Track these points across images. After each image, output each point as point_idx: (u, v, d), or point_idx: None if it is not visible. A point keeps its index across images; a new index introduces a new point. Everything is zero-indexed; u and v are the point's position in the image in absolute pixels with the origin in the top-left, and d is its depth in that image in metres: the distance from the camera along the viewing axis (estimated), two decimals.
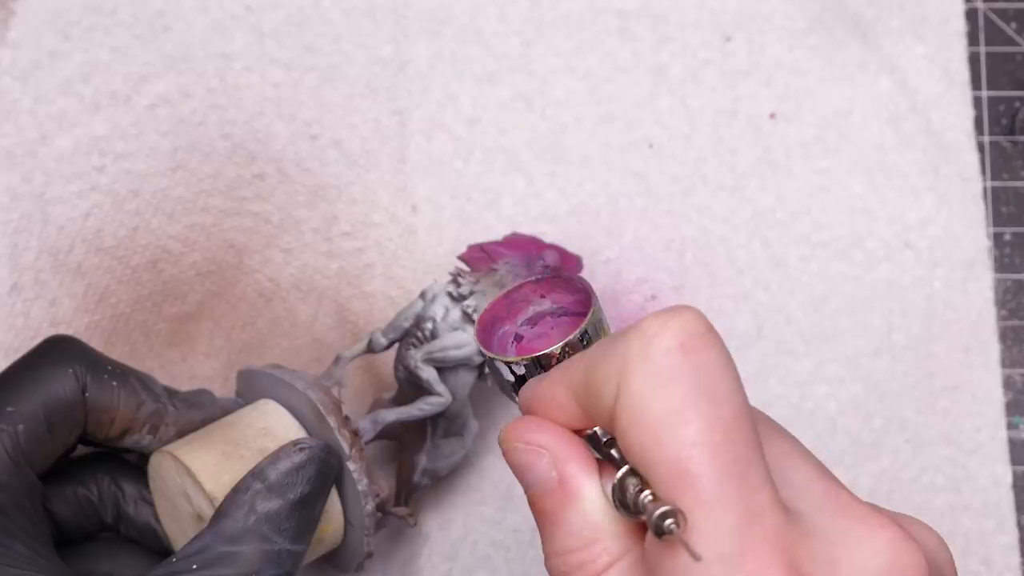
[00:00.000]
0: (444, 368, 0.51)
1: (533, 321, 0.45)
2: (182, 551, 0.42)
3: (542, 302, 0.44)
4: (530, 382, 0.38)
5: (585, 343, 0.40)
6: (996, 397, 0.58)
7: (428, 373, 0.50)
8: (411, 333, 0.51)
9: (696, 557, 0.30)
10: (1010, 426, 0.59)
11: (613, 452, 0.35)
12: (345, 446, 0.46)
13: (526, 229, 0.59)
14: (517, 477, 0.36)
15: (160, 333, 0.57)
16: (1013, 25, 0.64)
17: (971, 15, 0.63)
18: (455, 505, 0.56)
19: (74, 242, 0.57)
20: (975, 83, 0.62)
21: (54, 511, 0.47)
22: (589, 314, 0.40)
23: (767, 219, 0.60)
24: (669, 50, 0.61)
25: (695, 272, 0.59)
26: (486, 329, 0.44)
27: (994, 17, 0.63)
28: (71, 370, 0.45)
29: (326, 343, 0.57)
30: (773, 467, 0.33)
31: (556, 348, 0.39)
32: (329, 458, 0.45)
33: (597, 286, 0.58)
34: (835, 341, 0.58)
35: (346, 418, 0.47)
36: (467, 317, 0.50)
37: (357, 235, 0.59)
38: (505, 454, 0.36)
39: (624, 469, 0.33)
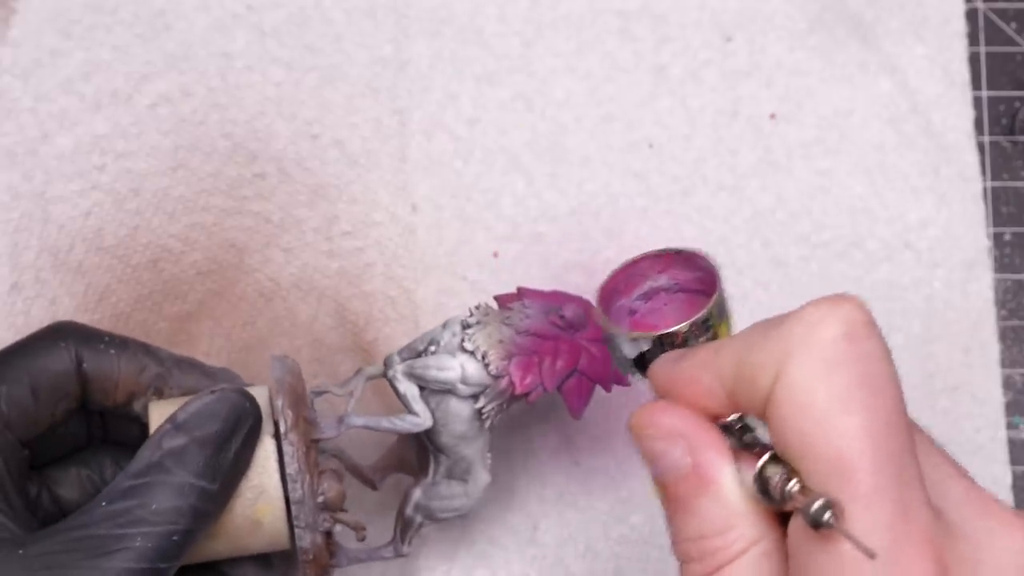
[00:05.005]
0: (432, 391, 0.50)
1: (648, 296, 0.44)
2: (98, 495, 0.43)
3: (659, 277, 0.44)
4: (664, 359, 0.38)
5: (709, 323, 0.39)
6: (996, 398, 0.58)
7: (405, 387, 0.49)
8: (423, 353, 0.51)
9: (869, 554, 0.30)
10: (1010, 426, 0.59)
11: (746, 438, 0.35)
12: (283, 424, 0.46)
13: (526, 229, 0.59)
14: (647, 462, 0.36)
15: (160, 332, 0.57)
16: (1013, 25, 0.64)
17: (971, 15, 0.63)
18: None
19: (74, 241, 0.57)
20: (975, 83, 0.62)
21: (60, 493, 0.49)
22: (716, 294, 0.40)
23: (767, 219, 0.60)
24: (669, 50, 0.61)
25: None
26: (606, 301, 0.43)
27: (994, 17, 0.64)
28: (62, 344, 0.46)
29: (326, 343, 0.57)
30: None
31: (683, 327, 0.39)
32: (243, 402, 0.45)
33: (597, 286, 0.58)
34: None
35: (303, 406, 0.47)
36: (461, 346, 0.49)
37: (357, 234, 0.59)
38: (636, 440, 0.36)
39: (767, 456, 0.33)
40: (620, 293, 0.45)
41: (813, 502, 0.30)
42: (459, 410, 0.50)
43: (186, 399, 0.47)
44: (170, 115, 0.59)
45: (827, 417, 0.31)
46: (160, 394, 0.47)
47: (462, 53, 0.61)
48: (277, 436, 0.47)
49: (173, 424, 0.44)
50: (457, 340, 0.49)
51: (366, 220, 0.59)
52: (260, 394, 0.48)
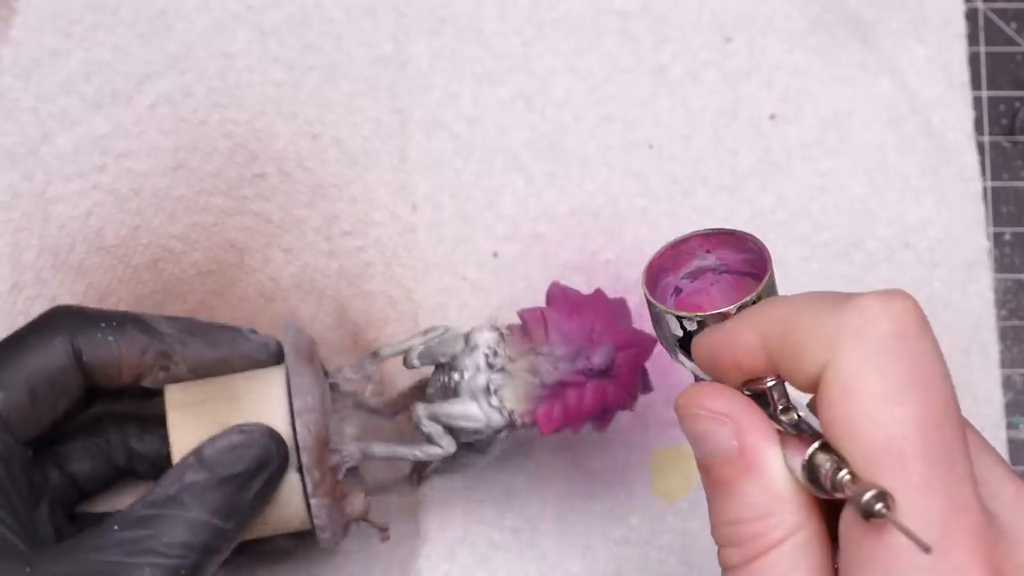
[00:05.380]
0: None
1: (694, 275, 0.44)
2: (112, 516, 0.43)
3: (707, 257, 0.43)
4: (711, 329, 0.37)
5: None
6: (996, 398, 0.58)
7: (430, 428, 0.50)
8: (442, 369, 0.50)
9: (924, 547, 0.29)
10: (1010, 426, 0.59)
11: (788, 418, 0.34)
12: (305, 458, 0.47)
13: (526, 230, 0.59)
14: (692, 443, 0.36)
15: None
16: (1013, 25, 0.64)
17: (971, 15, 0.63)
18: (454, 506, 0.56)
19: (75, 241, 0.57)
20: (975, 83, 0.62)
21: (72, 469, 0.50)
22: (766, 277, 0.39)
23: (767, 220, 0.60)
24: (669, 51, 0.61)
25: None
26: (653, 278, 0.43)
27: (994, 17, 0.63)
28: (57, 340, 0.46)
29: (326, 343, 0.57)
30: None
31: (732, 308, 0.38)
32: (270, 444, 0.46)
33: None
34: None
35: (323, 446, 0.48)
36: (487, 391, 0.49)
37: (357, 234, 0.59)
38: (682, 420, 0.36)
39: (817, 444, 0.33)
40: (667, 271, 0.44)
41: (865, 491, 0.30)
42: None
43: (202, 384, 0.47)
44: (171, 115, 0.59)
45: (879, 406, 0.31)
46: (167, 370, 0.47)
47: (462, 52, 0.61)
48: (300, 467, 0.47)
49: (198, 458, 0.45)
50: (482, 382, 0.49)
51: (366, 220, 0.59)
52: (277, 380, 0.48)
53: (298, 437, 0.47)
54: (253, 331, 0.51)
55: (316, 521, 0.47)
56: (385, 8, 0.61)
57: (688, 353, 0.40)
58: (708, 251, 0.43)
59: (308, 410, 0.47)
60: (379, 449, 0.50)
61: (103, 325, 0.47)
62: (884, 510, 0.30)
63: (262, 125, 0.59)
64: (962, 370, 0.58)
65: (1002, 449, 0.58)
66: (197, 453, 0.45)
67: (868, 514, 0.30)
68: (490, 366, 0.49)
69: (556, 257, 0.59)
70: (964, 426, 0.32)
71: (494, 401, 0.49)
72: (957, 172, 0.61)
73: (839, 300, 0.33)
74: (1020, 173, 0.62)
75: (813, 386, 0.33)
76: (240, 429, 0.46)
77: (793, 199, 0.60)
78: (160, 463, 0.51)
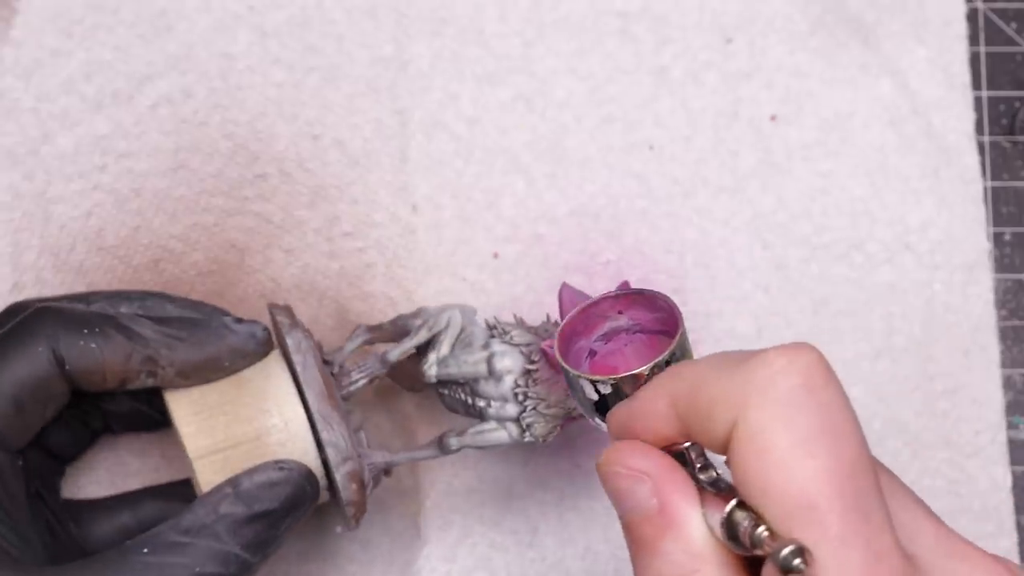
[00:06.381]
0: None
1: (607, 337, 0.44)
2: (141, 537, 0.43)
3: (619, 318, 0.44)
4: (623, 403, 0.38)
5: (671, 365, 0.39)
6: (996, 400, 0.58)
7: (460, 446, 0.51)
8: (462, 388, 0.50)
9: None
10: (1010, 426, 0.59)
11: (707, 477, 0.34)
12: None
13: (526, 231, 0.59)
14: (614, 502, 0.36)
15: None
16: (1013, 25, 0.64)
17: (971, 15, 0.63)
18: (455, 507, 0.56)
19: (76, 241, 0.57)
20: (975, 83, 0.62)
21: (49, 442, 0.51)
22: (678, 336, 0.39)
23: (767, 221, 0.60)
24: (670, 52, 0.61)
25: (695, 274, 0.59)
26: (565, 343, 0.43)
27: (994, 17, 0.63)
28: (40, 348, 0.45)
29: (327, 343, 0.57)
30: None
31: (645, 369, 0.38)
32: (304, 485, 0.46)
33: (598, 288, 0.58)
34: (835, 344, 0.58)
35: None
36: (519, 424, 0.49)
37: (358, 235, 0.59)
38: (603, 478, 0.36)
39: (734, 501, 0.33)
40: (580, 334, 0.44)
41: (783, 547, 0.30)
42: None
43: (203, 390, 0.47)
44: (171, 115, 0.59)
45: (790, 460, 0.31)
46: (154, 376, 0.47)
47: (463, 53, 0.61)
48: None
49: (235, 490, 0.45)
50: (511, 413, 0.49)
51: (367, 221, 0.59)
52: (277, 384, 0.48)
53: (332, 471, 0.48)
54: (237, 319, 0.49)
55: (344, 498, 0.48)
56: (386, 9, 0.61)
57: (604, 417, 0.40)
58: (620, 312, 0.44)
59: (343, 461, 0.48)
60: (402, 456, 0.51)
61: (85, 331, 0.46)
62: (802, 565, 0.30)
63: (263, 126, 0.59)
64: (962, 373, 0.58)
65: (1002, 452, 0.58)
66: (235, 485, 0.45)
67: (787, 570, 0.30)
68: (516, 396, 0.49)
69: (556, 258, 0.59)
70: (877, 471, 0.32)
71: (527, 437, 0.49)
72: (958, 174, 0.61)
73: (744, 358, 0.33)
74: (1020, 173, 0.62)
75: (725, 446, 0.33)
76: (279, 466, 0.46)
77: (794, 200, 0.60)
78: (134, 418, 0.52)
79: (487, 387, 0.49)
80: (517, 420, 0.49)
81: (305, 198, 0.59)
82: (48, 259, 0.57)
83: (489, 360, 0.49)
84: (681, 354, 0.40)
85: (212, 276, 0.58)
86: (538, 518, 0.56)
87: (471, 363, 0.49)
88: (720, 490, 0.34)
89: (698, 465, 0.35)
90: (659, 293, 0.42)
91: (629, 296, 0.43)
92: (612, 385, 0.39)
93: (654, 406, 0.35)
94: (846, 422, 0.32)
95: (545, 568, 0.56)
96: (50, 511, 0.50)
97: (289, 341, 0.48)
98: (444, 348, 0.50)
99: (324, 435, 0.47)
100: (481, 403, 0.50)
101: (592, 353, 0.45)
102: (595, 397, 0.40)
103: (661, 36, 0.61)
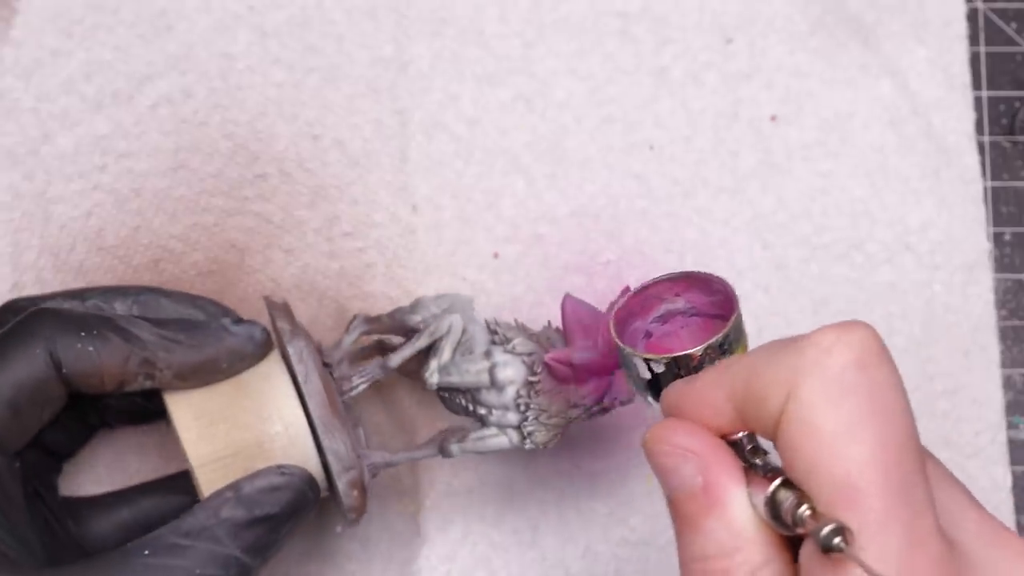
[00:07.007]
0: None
1: (664, 319, 0.44)
2: (141, 539, 0.43)
3: (675, 300, 0.44)
4: (677, 383, 0.38)
5: (725, 347, 0.39)
6: (996, 400, 0.58)
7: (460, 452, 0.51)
8: (463, 394, 0.51)
9: None
10: (1010, 426, 0.59)
11: (757, 460, 0.35)
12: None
13: (526, 231, 0.59)
14: (660, 479, 0.36)
15: None
16: (1013, 25, 0.64)
17: (971, 15, 0.63)
18: (455, 506, 0.56)
19: (75, 241, 0.57)
20: (975, 83, 0.62)
21: (47, 440, 0.51)
22: (732, 318, 0.40)
23: (767, 221, 0.60)
24: (670, 52, 0.61)
25: None
26: (621, 324, 0.43)
27: (994, 17, 0.63)
28: (37, 350, 0.45)
29: (327, 343, 0.57)
30: None
31: (698, 349, 0.39)
32: (307, 490, 0.46)
33: (598, 288, 0.58)
34: None
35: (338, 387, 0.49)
36: (520, 432, 0.50)
37: (358, 235, 0.59)
38: (649, 455, 0.36)
39: (778, 481, 0.33)
40: (636, 315, 0.44)
41: (823, 526, 0.30)
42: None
43: (204, 395, 0.47)
44: (171, 116, 0.59)
45: (837, 442, 0.31)
46: (152, 378, 0.47)
47: (463, 54, 0.61)
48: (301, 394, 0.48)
49: (236, 494, 0.45)
50: (513, 421, 0.50)
51: (367, 221, 0.59)
52: (278, 385, 0.48)
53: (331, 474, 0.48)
54: (235, 320, 0.49)
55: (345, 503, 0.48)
56: (386, 10, 0.61)
57: (657, 396, 0.40)
58: (677, 295, 0.44)
59: (345, 470, 0.48)
60: (402, 456, 0.51)
61: (83, 334, 0.46)
62: (842, 544, 0.30)
63: (263, 126, 0.59)
64: (962, 373, 0.58)
65: (1002, 452, 0.58)
66: (235, 487, 0.45)
67: (827, 548, 0.30)
68: (518, 406, 0.49)
69: (556, 258, 0.59)
70: (924, 456, 0.33)
71: (528, 444, 0.49)
72: (958, 174, 0.61)
73: (796, 340, 0.33)
74: (1020, 173, 0.62)
75: (777, 430, 0.33)
76: (281, 471, 0.46)
77: (794, 201, 0.60)
78: (132, 410, 0.52)
79: (489, 396, 0.49)
80: (518, 427, 0.50)
81: (305, 198, 0.59)
82: (48, 259, 0.57)
83: (491, 370, 0.49)
84: (736, 336, 0.40)
85: (212, 276, 0.58)
86: (538, 518, 0.56)
87: (473, 372, 0.49)
88: (767, 472, 0.34)
89: (748, 447, 0.35)
90: (715, 276, 0.42)
91: (686, 279, 0.43)
92: (665, 364, 0.39)
93: (711, 397, 0.35)
94: (896, 402, 0.32)
95: (545, 568, 0.56)
96: (48, 510, 0.50)
97: (291, 350, 0.48)
98: (445, 355, 0.50)
99: (326, 444, 0.47)
100: (482, 411, 0.50)
101: (648, 335, 0.45)
102: (648, 376, 0.40)
103: (661, 37, 0.61)
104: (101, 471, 0.56)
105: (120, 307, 0.49)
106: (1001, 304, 0.60)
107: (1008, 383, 0.59)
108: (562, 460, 0.57)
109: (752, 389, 0.34)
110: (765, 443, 0.35)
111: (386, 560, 0.56)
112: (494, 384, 0.49)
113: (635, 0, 0.61)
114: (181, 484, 0.53)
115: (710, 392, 0.35)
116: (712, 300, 0.43)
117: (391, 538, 0.56)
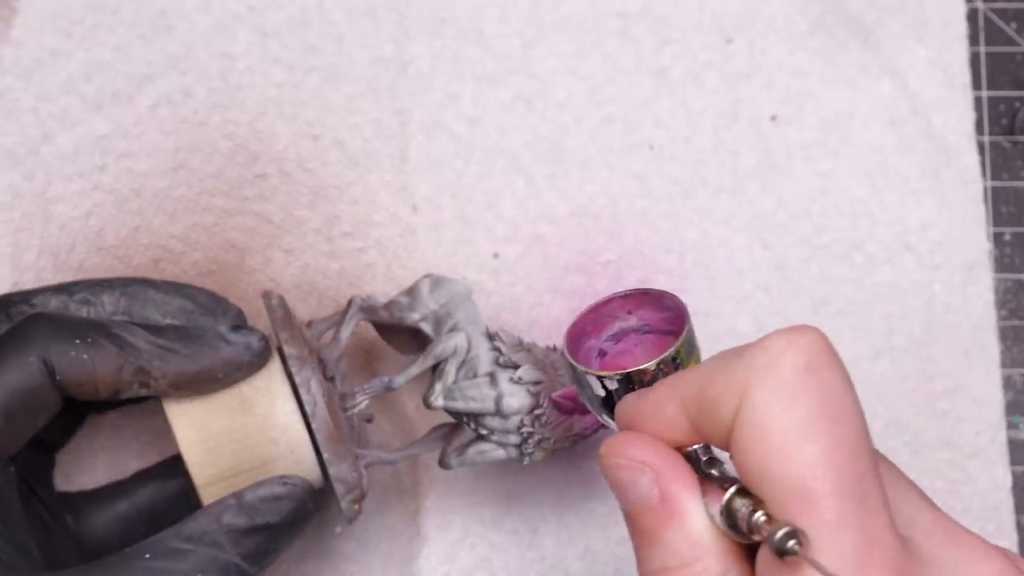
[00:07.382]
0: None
1: (618, 337, 0.45)
2: (142, 543, 0.43)
3: (628, 318, 0.44)
4: (630, 396, 0.38)
5: (678, 362, 0.39)
6: (996, 400, 0.58)
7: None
8: (466, 415, 0.51)
9: None
10: (1010, 426, 0.59)
11: (713, 471, 0.35)
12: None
13: (526, 231, 0.59)
14: (616, 493, 0.36)
15: None
16: (1013, 25, 0.64)
17: (971, 15, 0.63)
18: (454, 507, 0.56)
19: (75, 241, 0.57)
20: (975, 83, 0.62)
21: (40, 432, 0.49)
22: (684, 332, 0.40)
23: (767, 221, 0.60)
24: (670, 52, 0.61)
25: (695, 274, 0.59)
26: (574, 342, 0.43)
27: (994, 17, 0.63)
28: (31, 358, 0.45)
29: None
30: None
31: (651, 364, 0.39)
32: (307, 500, 0.46)
33: (598, 288, 0.58)
34: (835, 344, 0.58)
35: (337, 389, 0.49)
36: (520, 450, 0.50)
37: (358, 235, 0.59)
38: (605, 470, 0.36)
39: (733, 489, 0.33)
40: (589, 334, 0.45)
41: (777, 530, 0.30)
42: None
43: (205, 402, 0.47)
44: (171, 115, 0.59)
45: (789, 444, 0.31)
46: (147, 387, 0.46)
47: (463, 54, 0.61)
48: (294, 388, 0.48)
49: (238, 502, 0.45)
50: (515, 441, 0.50)
51: (367, 221, 0.59)
52: (275, 376, 0.48)
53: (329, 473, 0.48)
54: (232, 327, 0.49)
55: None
56: (386, 10, 0.61)
57: (612, 414, 0.40)
58: (629, 312, 0.44)
59: (348, 491, 0.48)
60: (399, 455, 0.51)
61: (77, 341, 0.45)
62: (796, 547, 0.30)
63: (263, 126, 0.59)
64: (962, 373, 0.58)
65: (1002, 452, 0.58)
66: (238, 495, 0.45)
67: (781, 552, 0.30)
68: (520, 433, 0.50)
69: (556, 258, 0.59)
70: (876, 457, 0.33)
71: (526, 461, 0.50)
72: (958, 174, 0.61)
73: (747, 347, 0.33)
74: (1020, 173, 0.62)
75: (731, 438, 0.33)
76: (283, 480, 0.46)
77: (794, 201, 0.60)
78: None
79: (492, 422, 0.50)
80: (518, 447, 0.50)
81: (305, 198, 0.59)
82: (48, 259, 0.57)
83: (497, 400, 0.49)
84: (688, 350, 0.40)
85: (212, 276, 0.58)
86: (537, 518, 0.56)
87: (478, 399, 0.49)
88: (723, 482, 0.34)
89: (704, 459, 0.35)
90: (666, 292, 0.42)
91: (638, 296, 0.43)
92: (619, 381, 0.40)
93: (665, 411, 0.35)
94: (847, 404, 0.32)
95: (545, 568, 0.56)
96: (45, 507, 0.50)
97: (298, 380, 0.47)
98: (450, 377, 0.50)
99: (333, 472, 0.47)
100: (484, 431, 0.50)
101: (602, 353, 0.45)
102: (602, 394, 0.40)
103: (661, 37, 0.61)
104: (96, 464, 0.56)
105: (108, 300, 0.49)
106: (1001, 304, 0.60)
107: (1008, 383, 0.59)
108: (562, 460, 0.57)
109: (705, 398, 0.34)
110: (721, 455, 0.35)
111: (385, 560, 0.56)
112: (499, 412, 0.49)
113: (635, 0, 0.61)
114: (176, 467, 0.52)
115: (664, 404, 0.36)
116: (664, 316, 0.43)
117: (391, 538, 0.56)
